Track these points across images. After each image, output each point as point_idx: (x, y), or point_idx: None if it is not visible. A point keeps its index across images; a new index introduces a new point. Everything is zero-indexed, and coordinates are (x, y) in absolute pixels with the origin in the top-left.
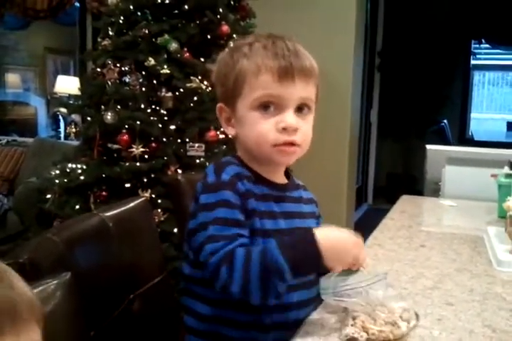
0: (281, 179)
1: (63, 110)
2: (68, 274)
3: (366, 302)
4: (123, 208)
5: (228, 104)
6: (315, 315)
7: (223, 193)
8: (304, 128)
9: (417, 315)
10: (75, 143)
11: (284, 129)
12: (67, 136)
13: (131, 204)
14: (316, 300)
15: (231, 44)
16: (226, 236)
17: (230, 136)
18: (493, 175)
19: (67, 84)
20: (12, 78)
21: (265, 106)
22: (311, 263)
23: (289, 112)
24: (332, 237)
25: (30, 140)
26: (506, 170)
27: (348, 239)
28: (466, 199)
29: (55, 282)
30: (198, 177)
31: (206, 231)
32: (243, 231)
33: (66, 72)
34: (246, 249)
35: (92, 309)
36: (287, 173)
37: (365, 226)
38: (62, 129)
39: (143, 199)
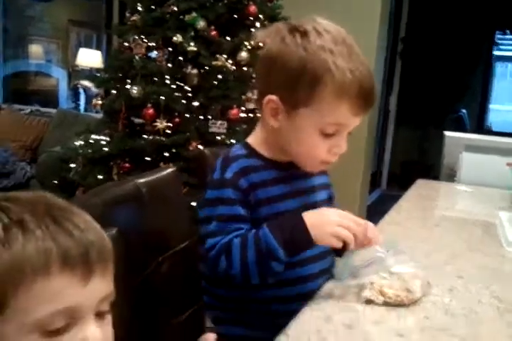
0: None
1: (84, 83)
2: (115, 229)
3: (382, 270)
4: (155, 176)
5: (287, 103)
6: (330, 285)
7: (224, 191)
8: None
9: (429, 284)
10: (98, 115)
11: (336, 153)
12: (86, 109)
13: (163, 173)
14: (328, 272)
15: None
16: (225, 232)
17: (252, 116)
18: (508, 164)
19: (89, 58)
20: (35, 49)
21: (331, 131)
22: (300, 239)
23: (345, 137)
24: (315, 212)
25: (53, 110)
26: None
27: (330, 211)
28: (480, 185)
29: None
30: (222, 152)
31: (209, 225)
32: (243, 225)
33: (89, 46)
34: (241, 237)
35: (126, 268)
36: None
37: (377, 211)
38: (82, 102)
39: (173, 169)
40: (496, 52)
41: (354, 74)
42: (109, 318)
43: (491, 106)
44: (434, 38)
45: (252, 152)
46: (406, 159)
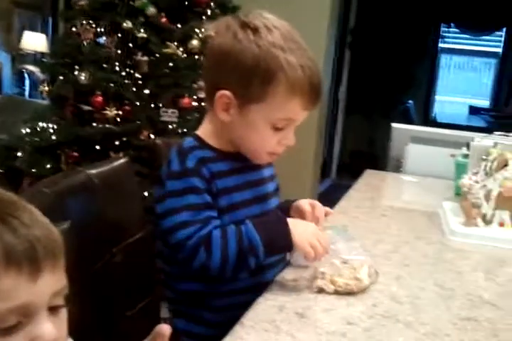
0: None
1: (29, 67)
2: (68, 223)
3: (332, 259)
4: (108, 166)
5: (240, 98)
6: (285, 274)
7: (190, 179)
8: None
9: (376, 273)
10: (44, 101)
11: (284, 144)
12: (31, 94)
13: (115, 164)
14: (283, 261)
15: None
16: (199, 220)
17: (203, 104)
18: (452, 155)
19: (34, 41)
20: None
21: (281, 125)
22: (282, 240)
23: (293, 130)
24: (300, 221)
25: None
26: (464, 150)
27: (311, 224)
28: (426, 176)
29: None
30: (175, 142)
31: (177, 216)
32: (213, 213)
33: (33, 29)
34: (221, 230)
35: (79, 259)
36: None
37: (327, 200)
38: (27, 87)
39: (126, 159)
40: (441, 45)
41: (305, 70)
42: (63, 312)
43: (437, 97)
44: (382, 30)
45: (203, 144)
46: (355, 149)
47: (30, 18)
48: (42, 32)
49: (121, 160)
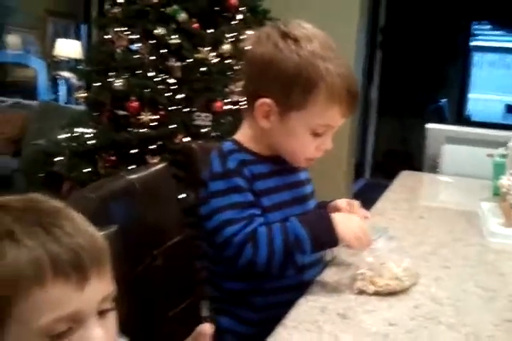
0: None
1: (64, 74)
2: (115, 227)
3: (372, 259)
4: (147, 172)
5: (281, 106)
6: (325, 275)
7: (233, 180)
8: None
9: (416, 274)
10: (79, 107)
11: (322, 150)
12: (67, 100)
13: (154, 169)
14: (322, 262)
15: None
16: (244, 218)
17: (236, 108)
18: (489, 155)
19: (68, 48)
20: (12, 39)
21: (320, 131)
22: (327, 234)
23: (331, 135)
24: (344, 215)
25: (34, 102)
26: (502, 150)
27: (355, 216)
28: (462, 176)
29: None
30: (210, 146)
31: (222, 214)
32: (257, 211)
33: (67, 36)
34: (267, 227)
35: (122, 263)
36: None
37: (362, 200)
38: (62, 93)
39: (164, 164)
40: (473, 43)
41: (343, 79)
42: (112, 315)
43: (470, 95)
44: (412, 29)
45: (241, 147)
46: (389, 148)
47: (64, 25)
48: (75, 38)
49: (160, 165)
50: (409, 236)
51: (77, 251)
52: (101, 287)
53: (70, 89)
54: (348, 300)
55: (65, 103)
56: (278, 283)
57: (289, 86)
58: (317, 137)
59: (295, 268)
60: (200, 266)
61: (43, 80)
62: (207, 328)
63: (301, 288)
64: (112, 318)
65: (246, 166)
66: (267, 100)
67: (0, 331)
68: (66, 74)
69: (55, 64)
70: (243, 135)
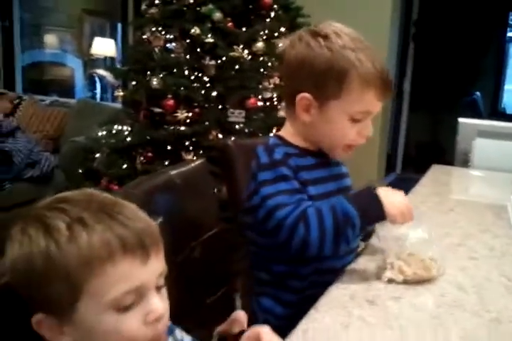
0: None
1: (100, 72)
2: (161, 217)
3: (403, 248)
4: (186, 168)
5: (317, 97)
6: (355, 265)
7: (280, 169)
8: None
9: (444, 264)
10: (116, 105)
11: (363, 135)
12: (102, 98)
13: (193, 165)
14: (354, 252)
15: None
16: (293, 202)
17: (268, 104)
18: None
19: (104, 47)
20: (50, 39)
21: (359, 117)
22: (375, 209)
23: (370, 121)
24: (388, 191)
25: (72, 101)
26: None
27: (399, 192)
28: (494, 170)
29: None
30: (245, 143)
31: (272, 200)
32: (304, 196)
33: (103, 34)
34: (315, 207)
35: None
36: None
37: None
38: (98, 90)
39: (202, 160)
40: (509, 34)
41: (375, 65)
42: (164, 290)
43: (506, 86)
44: (446, 21)
45: (286, 142)
46: (421, 142)
47: (100, 24)
48: (111, 37)
49: (198, 162)
50: (437, 228)
51: (139, 233)
52: (158, 264)
53: (106, 87)
54: (377, 289)
55: (101, 100)
56: (315, 268)
57: (323, 79)
58: (356, 123)
59: (348, 243)
60: (236, 258)
61: (79, 78)
62: (241, 315)
63: (334, 273)
64: (165, 293)
65: (291, 157)
66: (306, 94)
67: (73, 306)
68: (102, 72)
69: (91, 62)
70: (286, 132)
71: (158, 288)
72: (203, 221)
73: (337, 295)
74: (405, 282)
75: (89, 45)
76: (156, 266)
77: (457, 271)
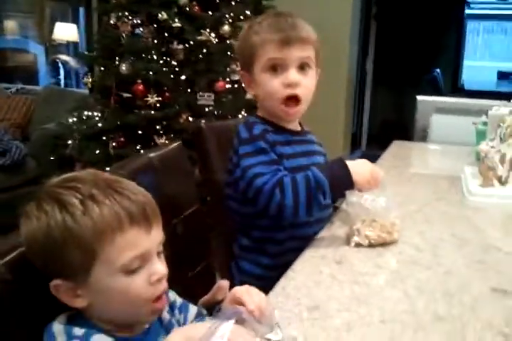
0: (296, 127)
1: (62, 57)
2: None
3: (368, 214)
4: (164, 150)
5: (247, 70)
6: (324, 232)
7: (259, 143)
8: (304, 82)
9: (402, 228)
10: (83, 91)
11: (289, 85)
12: (66, 84)
13: (170, 147)
14: (326, 220)
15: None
16: (270, 171)
17: (236, 86)
18: (474, 123)
19: (66, 32)
20: (10, 25)
21: (273, 67)
22: (344, 179)
23: (292, 70)
24: (356, 162)
25: (38, 88)
26: (484, 118)
27: (367, 162)
28: (450, 144)
29: None
30: (217, 125)
31: (252, 170)
32: (280, 166)
33: (64, 19)
34: (291, 176)
35: None
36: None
37: None
38: (62, 76)
39: (178, 143)
40: (467, 11)
41: (269, 26)
42: (163, 256)
43: (466, 62)
44: (406, 0)
45: (263, 120)
46: (384, 120)
47: (61, 9)
48: (73, 22)
49: (174, 144)
50: (397, 197)
51: (143, 205)
52: (159, 233)
53: (69, 73)
54: (344, 251)
55: (65, 86)
56: (290, 234)
57: (243, 57)
58: (275, 73)
59: (320, 207)
60: (213, 234)
61: (42, 64)
62: (225, 283)
63: (307, 239)
64: (163, 258)
65: (268, 133)
66: (241, 72)
67: (87, 271)
68: (65, 57)
69: (53, 48)
70: (259, 111)
71: (158, 254)
72: (182, 200)
73: (310, 258)
74: (370, 245)
75: (51, 31)
76: (157, 235)
77: (415, 234)
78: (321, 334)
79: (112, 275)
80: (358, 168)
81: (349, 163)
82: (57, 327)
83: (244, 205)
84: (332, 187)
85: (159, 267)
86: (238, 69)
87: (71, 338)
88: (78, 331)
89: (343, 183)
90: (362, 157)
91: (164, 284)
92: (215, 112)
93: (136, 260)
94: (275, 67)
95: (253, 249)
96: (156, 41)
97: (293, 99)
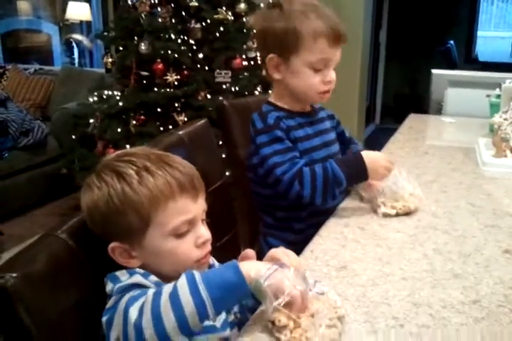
0: (307, 108)
1: (76, 36)
2: None
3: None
4: (192, 127)
5: (281, 56)
6: (346, 203)
7: (274, 132)
8: (335, 78)
9: (421, 198)
10: (100, 70)
11: (329, 82)
12: (80, 63)
13: (198, 124)
14: (344, 193)
15: None
16: (288, 160)
17: (253, 63)
18: (487, 96)
19: (78, 11)
20: (23, 5)
21: (319, 66)
22: (360, 175)
23: (332, 70)
24: (371, 156)
25: (55, 68)
26: (497, 91)
27: (382, 156)
28: (465, 116)
29: None
30: (238, 102)
31: (270, 160)
32: (296, 153)
33: None
34: (310, 167)
35: None
36: None
37: (373, 144)
38: (76, 56)
39: (205, 120)
40: None
41: (323, 20)
42: (205, 223)
43: (479, 33)
44: None
45: (275, 107)
46: (398, 92)
47: None
48: (85, 1)
49: (202, 121)
50: (414, 169)
51: (191, 176)
52: (203, 202)
53: (83, 52)
54: (366, 219)
55: (79, 65)
56: (310, 211)
57: (282, 41)
58: (318, 72)
59: (333, 198)
60: (238, 208)
61: (57, 44)
62: (250, 252)
63: (328, 214)
64: (206, 225)
65: (281, 120)
66: (272, 55)
67: (142, 234)
68: (78, 37)
69: (66, 27)
70: (273, 96)
71: (202, 221)
72: (210, 174)
73: (334, 225)
74: (397, 214)
75: (64, 10)
76: (202, 203)
77: (432, 202)
78: (348, 289)
79: (164, 237)
80: (373, 161)
81: (366, 158)
82: (120, 272)
83: (264, 188)
84: (348, 181)
85: (204, 231)
86: (270, 55)
87: (133, 273)
88: (139, 271)
89: (359, 178)
90: (377, 130)
91: (208, 247)
92: (232, 89)
93: (185, 224)
94: (321, 66)
95: (278, 227)
96: (173, 20)
97: (327, 92)
